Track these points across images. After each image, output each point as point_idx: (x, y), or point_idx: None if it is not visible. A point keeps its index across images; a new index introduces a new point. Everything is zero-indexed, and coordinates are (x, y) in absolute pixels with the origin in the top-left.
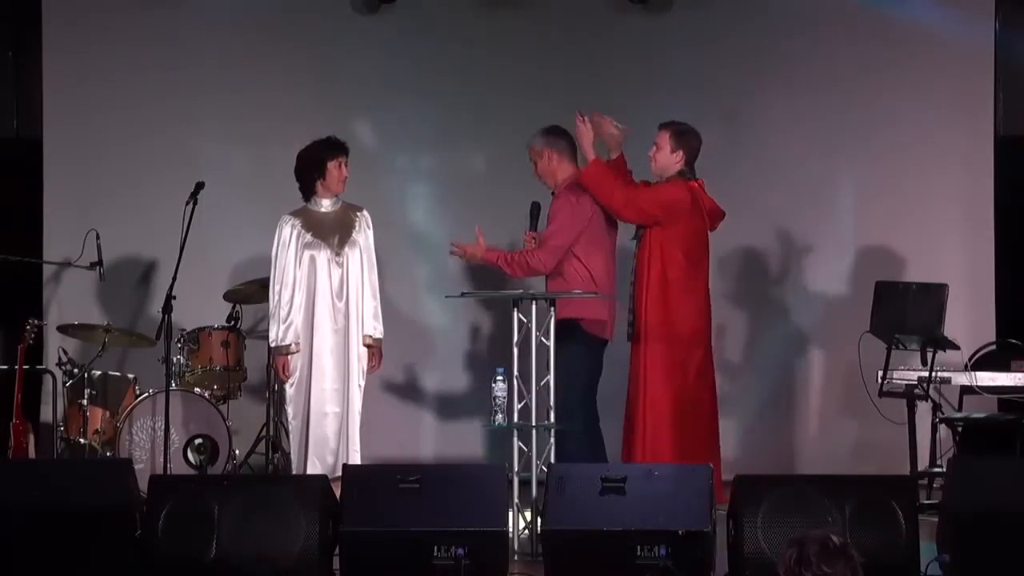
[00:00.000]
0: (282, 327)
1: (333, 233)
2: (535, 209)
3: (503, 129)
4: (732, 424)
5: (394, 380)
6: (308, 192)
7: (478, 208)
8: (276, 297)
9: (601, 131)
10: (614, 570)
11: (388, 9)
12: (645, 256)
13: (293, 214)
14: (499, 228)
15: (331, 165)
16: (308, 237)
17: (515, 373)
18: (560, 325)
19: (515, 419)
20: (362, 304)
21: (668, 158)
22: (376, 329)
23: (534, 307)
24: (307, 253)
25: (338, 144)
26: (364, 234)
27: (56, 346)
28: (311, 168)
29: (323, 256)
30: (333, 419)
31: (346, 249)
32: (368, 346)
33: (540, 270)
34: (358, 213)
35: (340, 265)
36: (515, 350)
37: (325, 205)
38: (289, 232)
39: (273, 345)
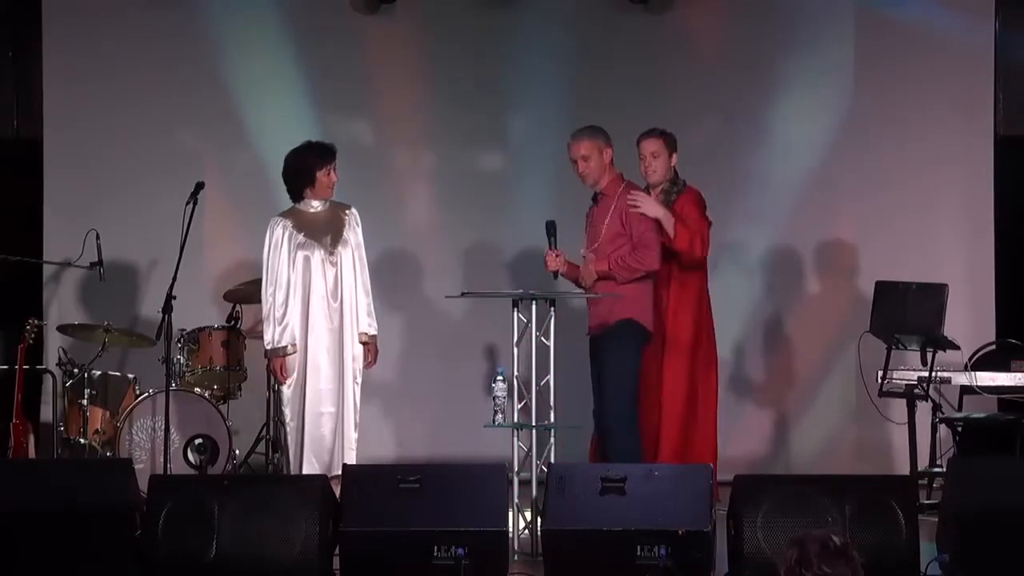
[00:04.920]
0: (278, 329)
1: (325, 233)
2: (551, 228)
3: (503, 129)
4: (732, 424)
5: (394, 380)
6: (297, 196)
7: (478, 207)
8: (270, 299)
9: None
10: (614, 570)
11: (388, 9)
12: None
13: (283, 215)
14: (500, 227)
15: (320, 174)
16: (300, 238)
17: (515, 373)
18: (619, 326)
19: (515, 419)
20: (356, 302)
21: (668, 163)
22: (371, 326)
23: (534, 307)
24: (300, 254)
25: (326, 150)
26: (354, 232)
27: (56, 346)
28: (300, 177)
29: (317, 256)
30: (329, 419)
31: (339, 248)
32: (364, 343)
33: (651, 267)
34: (346, 211)
35: (334, 265)
36: (515, 350)
37: (315, 206)
38: (281, 233)
39: (270, 348)
